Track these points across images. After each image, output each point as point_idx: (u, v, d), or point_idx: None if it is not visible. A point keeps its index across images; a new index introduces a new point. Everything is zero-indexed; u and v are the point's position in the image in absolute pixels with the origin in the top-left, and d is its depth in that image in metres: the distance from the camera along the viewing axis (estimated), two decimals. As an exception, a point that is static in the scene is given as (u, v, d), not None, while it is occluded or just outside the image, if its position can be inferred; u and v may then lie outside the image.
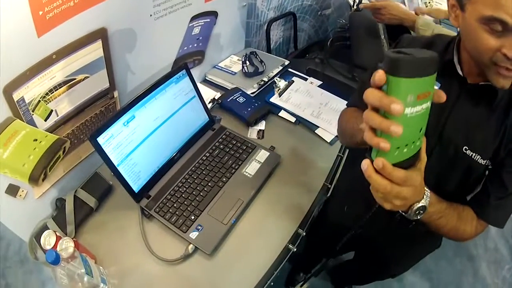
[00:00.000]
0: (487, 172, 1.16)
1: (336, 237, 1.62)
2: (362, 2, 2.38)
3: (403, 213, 0.94)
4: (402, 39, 1.28)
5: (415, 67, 0.65)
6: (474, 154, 1.12)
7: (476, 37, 0.94)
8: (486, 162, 1.12)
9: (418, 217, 0.95)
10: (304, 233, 1.45)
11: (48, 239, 1.09)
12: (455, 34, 1.16)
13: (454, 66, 1.11)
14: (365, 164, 0.76)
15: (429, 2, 3.61)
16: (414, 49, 0.68)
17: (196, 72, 1.90)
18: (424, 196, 0.93)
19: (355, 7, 2.35)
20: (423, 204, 0.93)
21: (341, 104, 1.87)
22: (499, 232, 4.03)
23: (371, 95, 0.69)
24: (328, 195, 1.72)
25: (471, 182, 1.21)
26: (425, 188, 0.94)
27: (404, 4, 3.22)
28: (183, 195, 1.34)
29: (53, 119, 1.18)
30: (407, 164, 0.77)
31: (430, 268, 3.24)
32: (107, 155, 1.17)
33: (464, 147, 1.13)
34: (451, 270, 3.40)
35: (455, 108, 1.14)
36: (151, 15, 1.41)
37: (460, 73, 1.11)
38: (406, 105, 0.66)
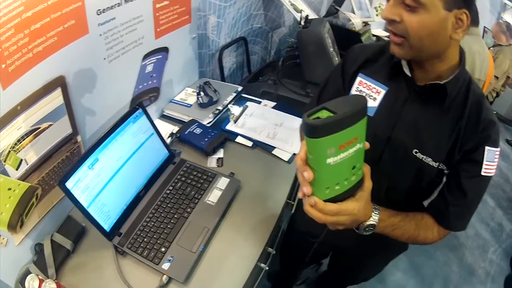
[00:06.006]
0: (444, 179, 1.21)
1: (305, 246, 1.69)
2: (309, 17, 2.46)
3: (355, 230, 1.05)
4: (352, 50, 1.35)
5: (330, 127, 0.72)
6: (424, 157, 1.16)
7: None
8: (438, 165, 1.16)
9: (368, 233, 1.05)
10: (274, 251, 1.54)
11: (31, 283, 1.16)
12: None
13: (401, 68, 1.17)
14: (302, 199, 0.90)
15: (379, 6, 3.76)
16: (342, 100, 0.82)
17: (153, 109, 2.02)
18: (373, 214, 1.03)
19: (302, 23, 2.42)
20: (371, 223, 1.03)
21: (296, 121, 1.99)
22: (478, 217, 4.20)
23: (296, 160, 0.86)
24: (293, 211, 1.81)
25: (424, 185, 1.25)
26: (374, 207, 1.05)
27: (353, 12, 3.37)
28: (152, 229, 1.43)
29: (23, 167, 1.25)
30: (343, 197, 0.89)
31: (412, 265, 3.29)
32: (76, 199, 1.25)
33: (414, 150, 1.17)
34: (434, 263, 3.46)
35: (403, 111, 1.18)
36: (104, 59, 1.50)
37: (408, 73, 1.16)
38: (327, 157, 0.76)
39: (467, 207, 1.20)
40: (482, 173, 1.12)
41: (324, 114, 0.76)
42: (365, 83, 1.26)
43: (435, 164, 1.16)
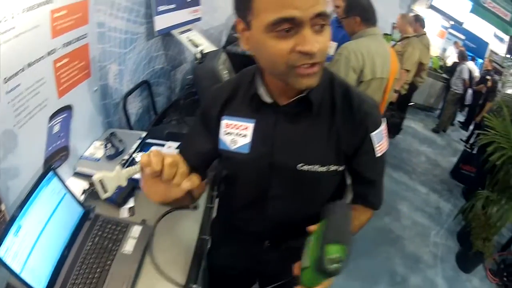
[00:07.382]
0: (347, 176, 1.35)
1: (229, 278, 1.81)
2: (203, 52, 2.63)
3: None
4: (208, 94, 1.40)
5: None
6: (311, 167, 1.22)
7: (267, 48, 0.98)
8: (328, 168, 1.24)
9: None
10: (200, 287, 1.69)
11: None
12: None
13: (260, 98, 1.21)
14: None
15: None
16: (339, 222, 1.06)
17: (65, 168, 2.10)
18: None
19: (198, 58, 2.58)
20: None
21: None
22: (411, 207, 4.52)
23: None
24: (209, 246, 1.94)
25: (330, 191, 1.36)
26: None
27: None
28: (80, 286, 1.53)
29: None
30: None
31: (353, 267, 3.09)
32: (9, 266, 1.33)
33: (298, 165, 1.23)
34: (375, 262, 3.61)
35: (276, 135, 1.24)
36: (14, 125, 1.57)
37: (269, 100, 1.20)
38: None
39: (378, 187, 1.39)
40: (377, 155, 1.26)
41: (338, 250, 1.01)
42: (231, 124, 1.30)
43: (324, 169, 1.23)
